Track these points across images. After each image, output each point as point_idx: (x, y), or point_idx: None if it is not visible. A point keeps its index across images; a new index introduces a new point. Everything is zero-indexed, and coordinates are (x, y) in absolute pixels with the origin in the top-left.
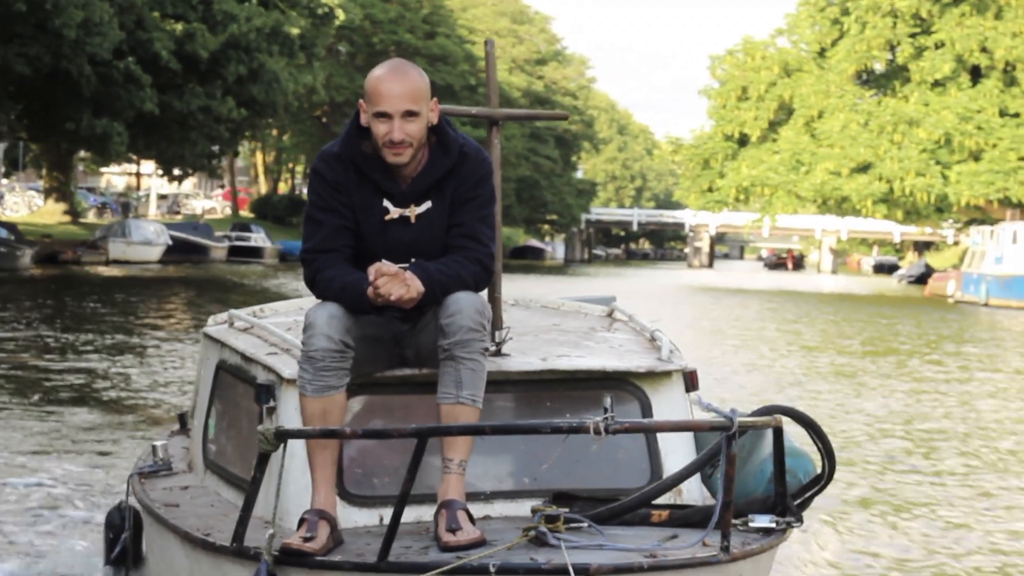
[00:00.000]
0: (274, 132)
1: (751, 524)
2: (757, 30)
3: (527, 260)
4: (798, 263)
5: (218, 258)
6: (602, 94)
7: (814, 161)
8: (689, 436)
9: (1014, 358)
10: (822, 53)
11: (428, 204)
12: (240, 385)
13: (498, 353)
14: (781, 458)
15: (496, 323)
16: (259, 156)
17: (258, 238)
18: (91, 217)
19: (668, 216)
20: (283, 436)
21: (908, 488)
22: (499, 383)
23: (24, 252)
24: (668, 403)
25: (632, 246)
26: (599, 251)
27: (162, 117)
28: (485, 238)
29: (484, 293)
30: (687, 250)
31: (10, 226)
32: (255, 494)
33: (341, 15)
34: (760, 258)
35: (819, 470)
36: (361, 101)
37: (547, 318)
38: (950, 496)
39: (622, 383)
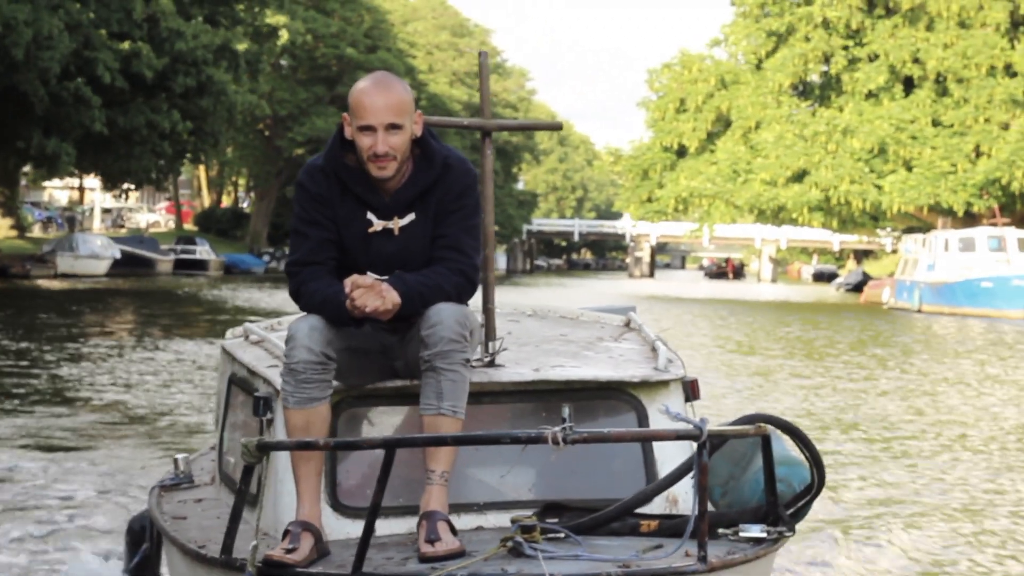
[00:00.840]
0: (226, 150)
1: (741, 534)
2: (695, 39)
3: None
4: (738, 272)
5: (164, 271)
6: (542, 105)
7: (750, 171)
8: (685, 446)
9: (920, 360)
10: (759, 65)
11: (412, 216)
12: (246, 397)
13: (492, 364)
14: (771, 466)
15: (489, 334)
16: (202, 170)
17: (203, 251)
18: (36, 231)
19: (609, 227)
20: (264, 448)
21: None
22: (493, 394)
23: None
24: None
25: (574, 256)
26: (541, 262)
27: (108, 134)
28: (469, 249)
29: (473, 303)
30: (628, 260)
31: None
32: (240, 506)
33: (285, 35)
34: (701, 267)
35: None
36: (345, 115)
37: (557, 328)
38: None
39: (618, 393)
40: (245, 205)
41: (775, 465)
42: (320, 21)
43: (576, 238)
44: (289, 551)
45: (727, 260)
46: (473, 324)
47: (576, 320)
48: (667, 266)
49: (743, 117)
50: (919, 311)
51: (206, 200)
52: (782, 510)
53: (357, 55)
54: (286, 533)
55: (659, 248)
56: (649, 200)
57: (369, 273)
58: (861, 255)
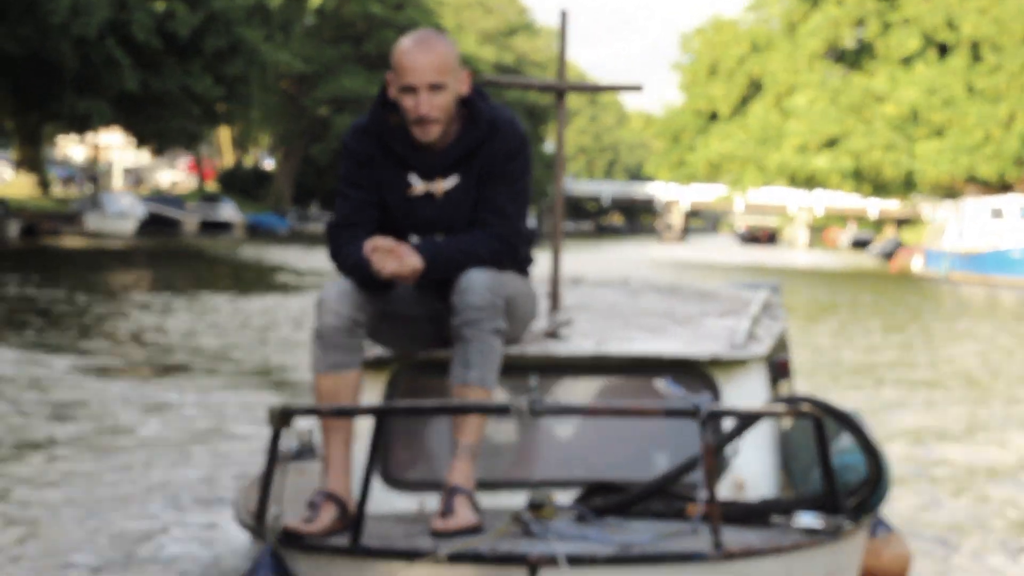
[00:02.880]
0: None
1: (793, 523)
2: (728, 4)
3: None
4: (771, 238)
5: (190, 231)
6: (572, 65)
7: (782, 136)
8: (766, 428)
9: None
10: (792, 29)
11: (455, 179)
12: None
13: (553, 336)
14: (825, 450)
15: (554, 305)
16: (224, 128)
17: (228, 211)
18: (58, 189)
19: (640, 190)
20: (287, 415)
21: None
22: (553, 368)
23: (10, 224)
24: (743, 393)
25: (604, 220)
26: (569, 226)
27: (142, 95)
28: (512, 214)
29: (540, 273)
30: (660, 224)
31: None
32: (271, 472)
33: None
34: (735, 232)
35: (887, 467)
36: (388, 74)
37: (665, 302)
38: None
39: (691, 370)
40: (267, 164)
41: (851, 453)
42: None
43: (606, 201)
44: (308, 520)
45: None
46: (515, 292)
47: (697, 294)
48: (699, 231)
49: (776, 82)
50: (948, 279)
51: (228, 159)
52: (843, 499)
53: (384, 12)
54: (310, 504)
55: (692, 213)
56: (680, 164)
57: (411, 237)
58: (901, 222)
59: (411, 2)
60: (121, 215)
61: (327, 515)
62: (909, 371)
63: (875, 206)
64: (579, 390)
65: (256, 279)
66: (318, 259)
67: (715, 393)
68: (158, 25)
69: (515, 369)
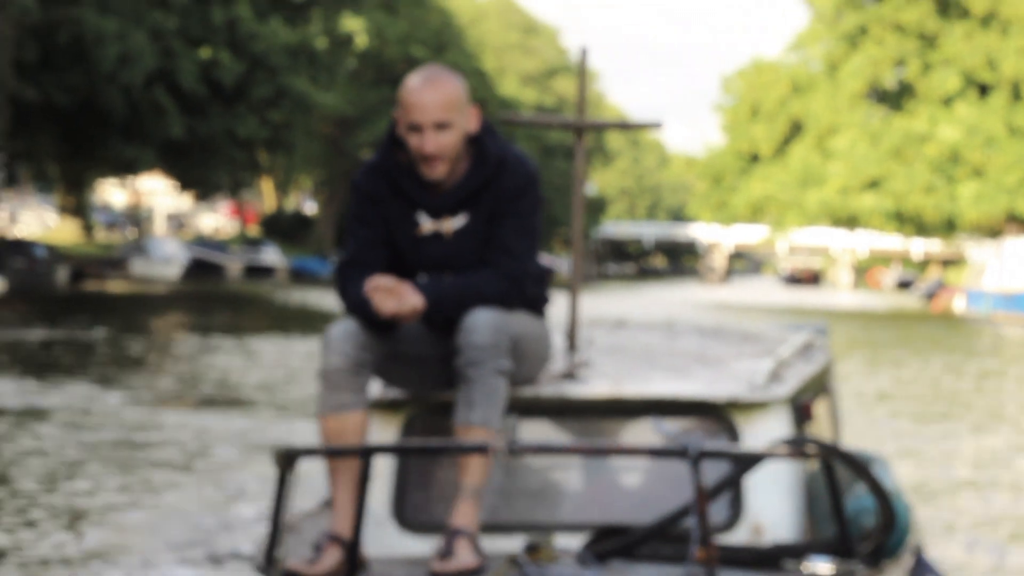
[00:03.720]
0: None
1: (804, 567)
2: (772, 39)
3: None
4: (815, 279)
5: (233, 276)
6: (612, 106)
7: (823, 178)
8: (787, 471)
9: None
10: (833, 70)
11: (464, 218)
12: None
13: (570, 376)
14: (836, 493)
15: (572, 344)
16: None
17: (271, 255)
18: (102, 235)
19: (682, 232)
20: (291, 456)
21: None
22: (570, 410)
23: (60, 270)
24: (763, 437)
25: (646, 262)
26: (611, 268)
27: (187, 141)
28: (521, 252)
29: (554, 315)
30: (702, 266)
31: (47, 246)
32: (279, 513)
33: (363, 38)
34: (778, 274)
35: (906, 514)
36: (396, 111)
37: (709, 343)
38: None
39: (708, 413)
40: (308, 208)
41: (870, 496)
42: (388, 22)
43: (648, 243)
44: (311, 562)
45: (805, 267)
46: (523, 331)
47: (738, 336)
48: (742, 272)
49: (817, 123)
50: (990, 319)
51: (269, 203)
52: (857, 543)
53: (425, 55)
54: (315, 545)
55: (735, 255)
56: (722, 206)
57: (420, 276)
58: (946, 262)
59: (452, 45)
60: (166, 260)
61: (330, 557)
62: (957, 412)
63: (919, 246)
64: (593, 432)
65: (300, 322)
66: None
67: (734, 436)
68: (203, 72)
69: (529, 410)
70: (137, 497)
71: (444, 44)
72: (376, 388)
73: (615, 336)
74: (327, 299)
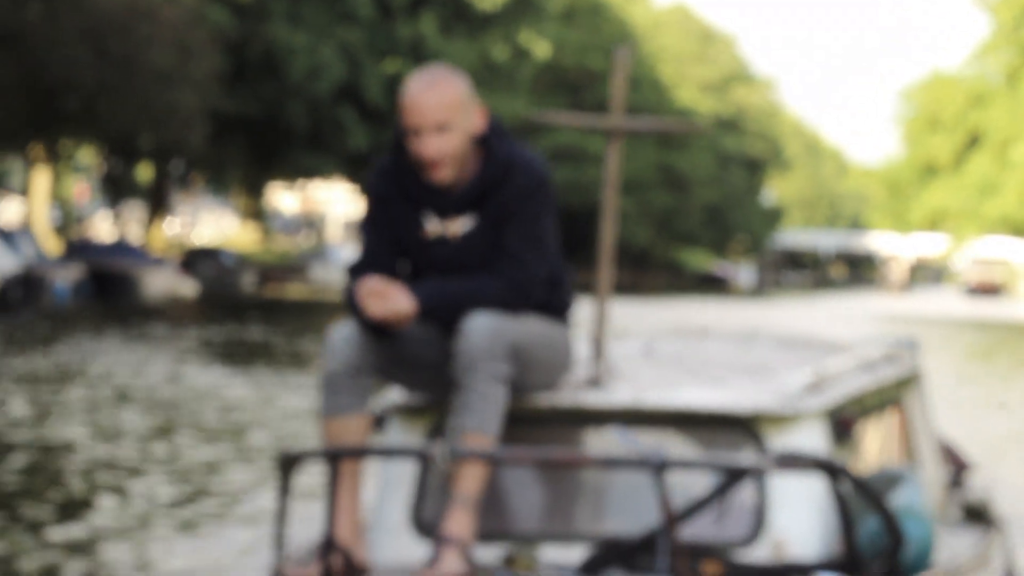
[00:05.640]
0: None
1: None
2: (952, 48)
3: (710, 288)
4: (996, 290)
5: None
6: (790, 115)
7: (1002, 188)
8: (814, 486)
9: None
10: (1013, 81)
11: (471, 220)
12: None
13: (594, 384)
14: (844, 509)
15: (599, 351)
16: None
17: None
18: (280, 239)
19: (861, 242)
20: (291, 460)
21: None
22: (592, 418)
23: (246, 276)
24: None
25: (825, 272)
26: (788, 277)
27: (370, 151)
28: (527, 257)
29: (570, 322)
30: (881, 277)
31: (234, 253)
32: (282, 516)
33: (544, 50)
34: (960, 285)
35: (925, 534)
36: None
37: (762, 352)
38: None
39: (735, 425)
40: None
41: (896, 514)
42: (566, 32)
43: (826, 253)
44: (306, 565)
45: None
46: (529, 337)
47: (804, 346)
48: (924, 283)
49: (996, 134)
50: None
51: None
52: (869, 561)
53: (601, 65)
54: (313, 550)
55: (916, 265)
56: (900, 216)
57: (428, 278)
58: None
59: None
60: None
61: (324, 563)
62: None
63: None
64: (613, 442)
65: None
66: None
67: (761, 450)
68: (388, 86)
69: (546, 419)
70: None
71: None
72: (399, 394)
73: (677, 345)
74: None
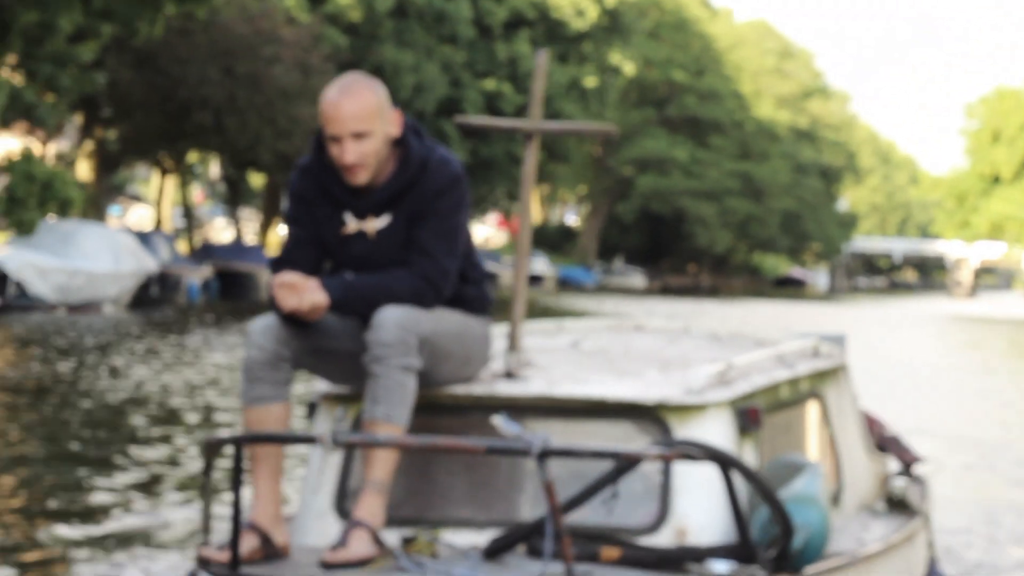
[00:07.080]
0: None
1: (706, 569)
2: (1011, 74)
3: (788, 289)
4: None
5: (506, 284)
6: (864, 126)
7: None
8: (715, 477)
9: None
10: None
11: (387, 218)
12: None
13: (508, 376)
14: (733, 497)
15: (513, 345)
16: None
17: (541, 265)
18: None
19: (931, 248)
20: (215, 446)
21: None
22: (501, 409)
23: None
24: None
25: (896, 276)
26: (862, 281)
27: (470, 163)
28: (439, 253)
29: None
30: (950, 281)
31: None
32: (207, 501)
33: (631, 68)
34: None
35: (820, 522)
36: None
37: (680, 346)
38: None
39: (642, 415)
40: (571, 220)
41: (799, 501)
42: (652, 47)
43: (897, 258)
44: (222, 549)
45: None
46: (440, 330)
47: (733, 342)
48: (992, 288)
49: None
50: None
51: (535, 216)
52: (761, 550)
53: (685, 79)
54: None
55: (983, 270)
56: (965, 224)
57: (347, 274)
58: None
59: (711, 69)
60: None
61: (246, 544)
62: None
63: None
64: (499, 429)
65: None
66: (624, 307)
67: (668, 439)
68: (488, 102)
69: (460, 409)
70: None
71: (703, 68)
72: (327, 384)
73: (605, 339)
74: (591, 305)
